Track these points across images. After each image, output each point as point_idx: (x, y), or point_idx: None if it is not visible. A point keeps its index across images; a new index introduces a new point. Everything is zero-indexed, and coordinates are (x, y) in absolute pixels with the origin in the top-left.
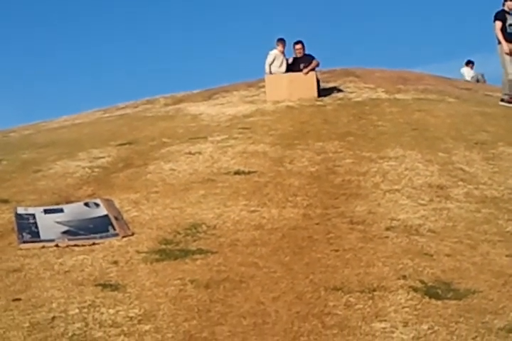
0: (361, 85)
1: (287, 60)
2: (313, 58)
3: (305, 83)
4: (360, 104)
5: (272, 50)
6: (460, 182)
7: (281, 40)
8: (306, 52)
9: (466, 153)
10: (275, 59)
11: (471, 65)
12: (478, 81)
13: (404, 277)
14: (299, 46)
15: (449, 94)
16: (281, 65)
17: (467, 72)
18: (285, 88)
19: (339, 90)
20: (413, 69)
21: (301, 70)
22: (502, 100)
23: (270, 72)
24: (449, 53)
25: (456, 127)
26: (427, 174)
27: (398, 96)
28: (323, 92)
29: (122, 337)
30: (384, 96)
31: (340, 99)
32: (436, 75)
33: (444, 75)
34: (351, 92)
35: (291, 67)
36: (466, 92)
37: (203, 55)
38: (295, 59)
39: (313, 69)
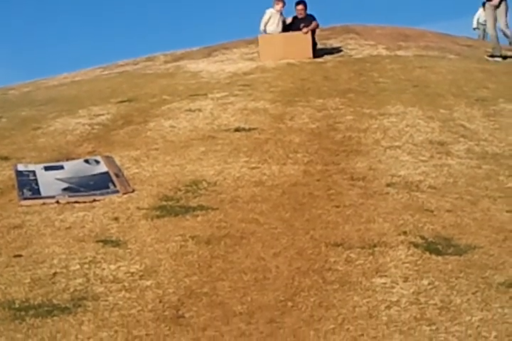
0: (362, 42)
1: (286, 19)
2: (314, 19)
3: (300, 43)
4: (361, 61)
5: (268, 8)
6: (461, 139)
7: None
8: (308, 12)
9: (467, 110)
10: (271, 17)
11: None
12: None
13: (404, 233)
14: (300, 7)
15: (450, 50)
16: (277, 25)
17: (481, 15)
18: (279, 48)
19: (339, 47)
20: (417, 26)
21: (300, 30)
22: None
23: (265, 31)
24: (457, 10)
25: (457, 84)
26: (428, 130)
27: (399, 53)
28: (322, 50)
29: (123, 292)
30: (385, 53)
31: (340, 56)
32: (437, 32)
33: (450, 33)
34: (352, 49)
35: (291, 27)
36: (467, 49)
37: (203, 11)
38: (295, 19)
39: (312, 31)
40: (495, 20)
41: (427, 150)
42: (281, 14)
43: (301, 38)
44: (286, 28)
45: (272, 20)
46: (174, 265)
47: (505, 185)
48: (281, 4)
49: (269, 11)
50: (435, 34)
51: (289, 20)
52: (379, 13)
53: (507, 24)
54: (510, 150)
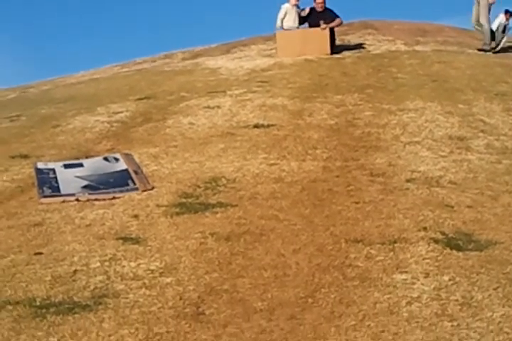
0: (380, 38)
1: (302, 10)
2: (336, 15)
3: (318, 40)
4: (379, 57)
5: (283, 3)
6: (480, 134)
7: None
8: (327, 5)
9: (487, 105)
10: (287, 13)
11: (508, 14)
12: (504, 31)
13: (424, 229)
14: (320, 0)
15: (469, 45)
16: (294, 20)
17: (498, 20)
18: (296, 44)
19: (358, 43)
20: (435, 21)
21: (318, 25)
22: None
23: (282, 28)
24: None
25: (476, 78)
26: (447, 126)
27: (417, 48)
28: (340, 46)
29: (144, 289)
30: (403, 48)
31: (359, 51)
32: (456, 27)
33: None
34: (370, 45)
35: (308, 19)
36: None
37: (220, 8)
38: (313, 10)
39: (332, 29)
40: (488, 12)
41: (446, 146)
42: (297, 7)
43: (319, 34)
44: (303, 20)
45: (288, 16)
46: (194, 262)
47: None
48: None
49: (285, 7)
50: (453, 29)
51: (305, 11)
52: (397, 9)
53: (487, 19)
54: None
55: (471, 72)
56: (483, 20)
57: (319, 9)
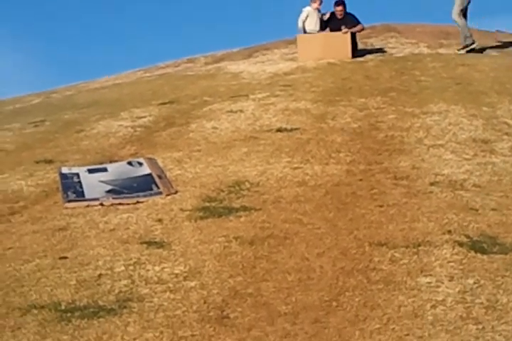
0: (403, 40)
1: (323, 15)
2: (357, 21)
3: (339, 44)
4: (402, 60)
5: (305, 7)
6: (505, 136)
7: None
8: (348, 11)
9: (511, 107)
10: (308, 16)
11: None
12: None
13: (449, 232)
14: (339, 8)
15: (492, 47)
16: (316, 24)
17: None
18: (318, 48)
19: (380, 46)
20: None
21: (339, 30)
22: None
23: (304, 29)
24: (498, 7)
25: (500, 81)
26: (471, 128)
27: (441, 50)
28: (363, 49)
29: (168, 293)
30: (426, 51)
31: (381, 55)
32: (478, 29)
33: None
34: (393, 48)
35: (329, 24)
36: (510, 46)
37: (242, 12)
38: (334, 15)
39: (354, 33)
40: (460, 9)
41: (470, 149)
42: (318, 11)
43: (341, 38)
44: (324, 24)
45: (309, 19)
46: (218, 266)
47: None
48: (318, 2)
49: (306, 10)
50: (475, 31)
51: (326, 16)
52: (419, 11)
53: (458, 13)
54: None
55: (494, 74)
56: (454, 17)
57: (339, 17)
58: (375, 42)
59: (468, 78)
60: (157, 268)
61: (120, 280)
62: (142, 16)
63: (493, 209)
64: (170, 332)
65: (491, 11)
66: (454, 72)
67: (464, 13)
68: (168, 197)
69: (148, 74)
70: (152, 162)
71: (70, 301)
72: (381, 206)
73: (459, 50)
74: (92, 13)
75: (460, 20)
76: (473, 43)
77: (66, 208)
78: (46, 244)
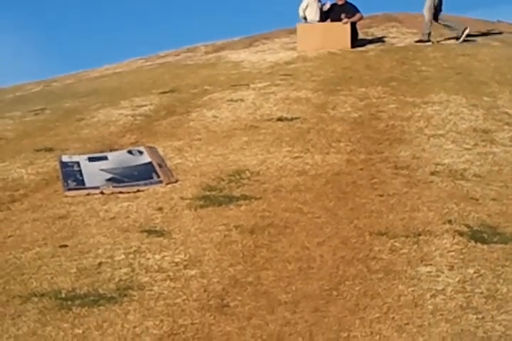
0: (404, 30)
1: (324, 4)
2: (357, 10)
3: (338, 33)
4: (403, 50)
5: None
6: (505, 126)
7: None
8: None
9: (511, 97)
10: (308, 6)
11: None
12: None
13: (449, 221)
14: None
15: (493, 37)
16: (316, 13)
17: None
18: (317, 37)
19: (381, 36)
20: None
21: (340, 20)
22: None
23: (305, 18)
24: None
25: (501, 71)
26: (472, 118)
27: (441, 40)
28: (364, 39)
29: (168, 281)
30: None
31: (382, 44)
32: (479, 19)
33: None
34: (394, 37)
35: (330, 15)
36: (511, 36)
37: (243, 1)
38: (334, 5)
39: (354, 23)
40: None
41: (471, 138)
42: (318, 1)
43: (340, 28)
44: (325, 15)
45: (309, 8)
46: (218, 254)
47: None
48: None
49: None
50: (476, 21)
51: (326, 6)
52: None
53: (428, 8)
54: None
55: (495, 64)
56: (424, 10)
57: (340, 3)
58: (376, 32)
59: (469, 68)
60: (157, 257)
61: (120, 268)
62: (143, 5)
63: (493, 199)
64: (170, 321)
65: (493, 1)
66: (454, 62)
67: (435, 10)
68: (169, 185)
69: (148, 63)
70: (152, 150)
71: (71, 289)
72: (381, 195)
73: (415, 41)
74: (93, 2)
75: (426, 16)
76: (428, 41)
77: (66, 196)
78: (46, 232)
